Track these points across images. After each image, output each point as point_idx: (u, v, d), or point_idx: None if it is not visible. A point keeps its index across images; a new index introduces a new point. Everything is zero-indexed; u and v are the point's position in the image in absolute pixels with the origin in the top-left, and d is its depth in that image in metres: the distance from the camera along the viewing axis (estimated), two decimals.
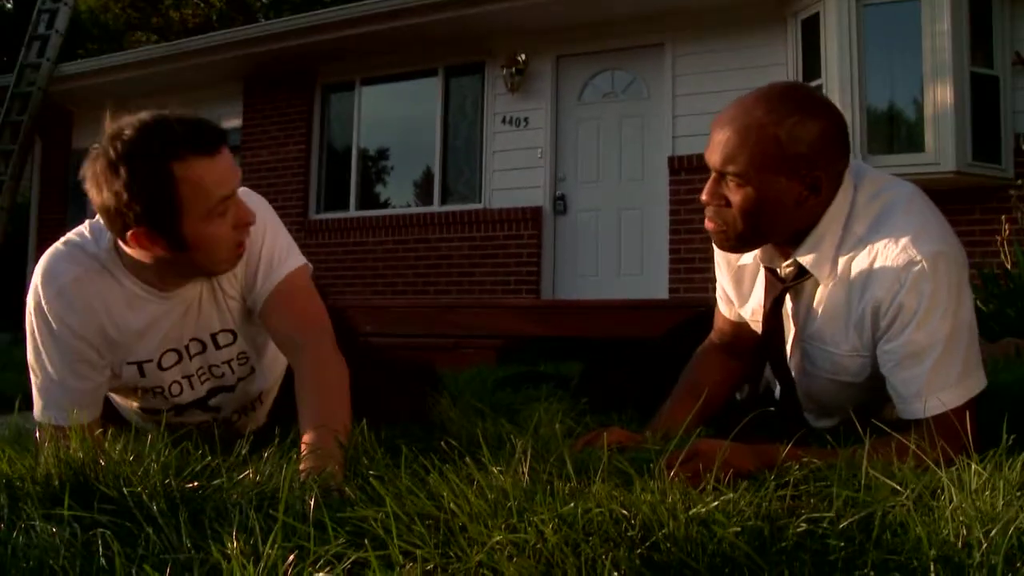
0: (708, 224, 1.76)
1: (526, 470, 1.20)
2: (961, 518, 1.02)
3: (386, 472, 1.26)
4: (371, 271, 8.63)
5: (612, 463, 1.24)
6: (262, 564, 0.95)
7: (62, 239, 1.80)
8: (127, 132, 1.59)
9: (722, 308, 2.05)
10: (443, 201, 8.53)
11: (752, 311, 1.93)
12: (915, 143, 6.36)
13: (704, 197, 1.73)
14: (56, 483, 1.28)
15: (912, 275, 1.60)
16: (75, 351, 1.73)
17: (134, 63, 9.72)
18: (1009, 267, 4.77)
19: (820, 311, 1.77)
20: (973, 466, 1.17)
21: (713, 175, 1.71)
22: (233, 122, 9.52)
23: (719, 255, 1.96)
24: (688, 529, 0.99)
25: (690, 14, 7.18)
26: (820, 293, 1.76)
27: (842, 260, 1.71)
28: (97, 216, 1.72)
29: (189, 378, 1.89)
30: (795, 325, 1.84)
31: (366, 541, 0.99)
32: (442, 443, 1.47)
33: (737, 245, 1.78)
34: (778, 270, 1.81)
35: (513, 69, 7.93)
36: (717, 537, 0.97)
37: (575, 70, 7.84)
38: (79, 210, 10.69)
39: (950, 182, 6.23)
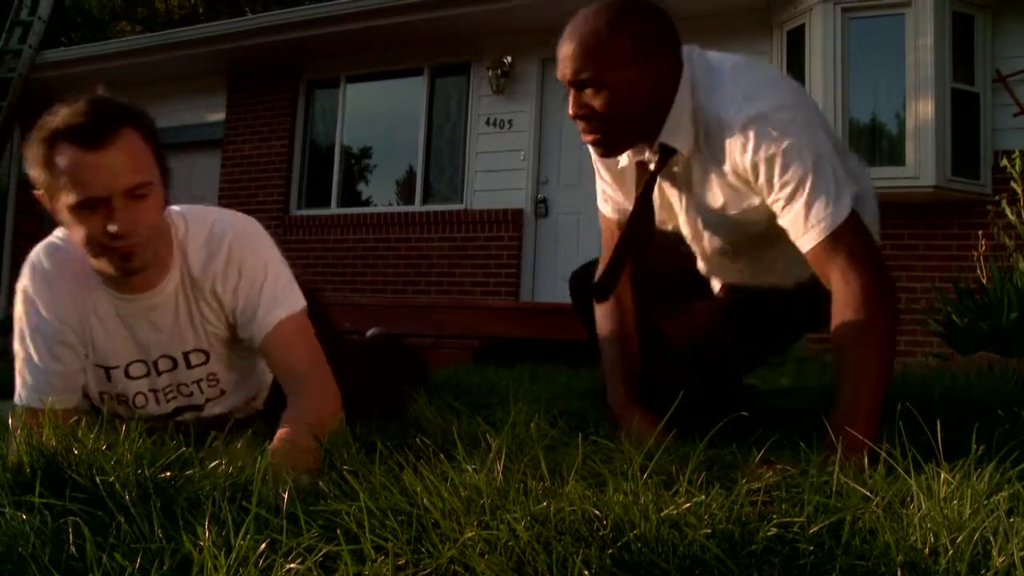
0: (585, 138, 1.89)
1: (500, 469, 1.20)
2: (929, 525, 1.04)
3: (360, 467, 1.26)
4: (351, 269, 8.61)
5: (586, 463, 1.24)
6: (233, 555, 0.95)
7: (56, 233, 1.83)
8: (56, 109, 1.62)
9: (605, 209, 2.17)
10: (425, 201, 8.53)
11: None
12: (896, 157, 6.41)
13: (571, 112, 1.85)
14: (28, 471, 1.27)
15: (753, 133, 1.75)
16: (56, 332, 1.75)
17: (118, 53, 9.66)
18: (985, 282, 4.81)
19: (697, 184, 1.92)
20: (942, 475, 1.19)
21: (572, 91, 1.83)
22: (216, 115, 9.48)
23: (599, 162, 2.08)
24: (659, 530, 0.99)
25: (677, 21, 7.19)
26: (692, 168, 1.91)
27: (698, 133, 1.85)
28: None
29: (155, 392, 1.89)
30: (682, 199, 1.99)
31: (338, 534, 0.99)
32: (417, 440, 1.48)
33: (616, 146, 1.91)
34: (646, 161, 1.95)
35: (499, 71, 7.94)
36: (688, 539, 0.98)
37: None
38: None
39: (929, 196, 6.29)
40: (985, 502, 1.10)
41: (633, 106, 1.82)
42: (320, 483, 1.26)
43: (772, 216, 1.83)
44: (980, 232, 5.48)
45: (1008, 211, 5.03)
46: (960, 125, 6.30)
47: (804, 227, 1.75)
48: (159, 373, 1.86)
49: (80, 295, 1.77)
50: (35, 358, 1.76)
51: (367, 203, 9.21)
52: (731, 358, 2.20)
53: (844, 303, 1.72)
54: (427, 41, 8.25)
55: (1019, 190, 5.00)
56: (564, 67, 1.82)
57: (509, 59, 7.92)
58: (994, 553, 0.97)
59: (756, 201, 1.85)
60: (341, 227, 8.79)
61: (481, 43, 8.07)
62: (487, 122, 8.12)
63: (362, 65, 8.84)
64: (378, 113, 9.06)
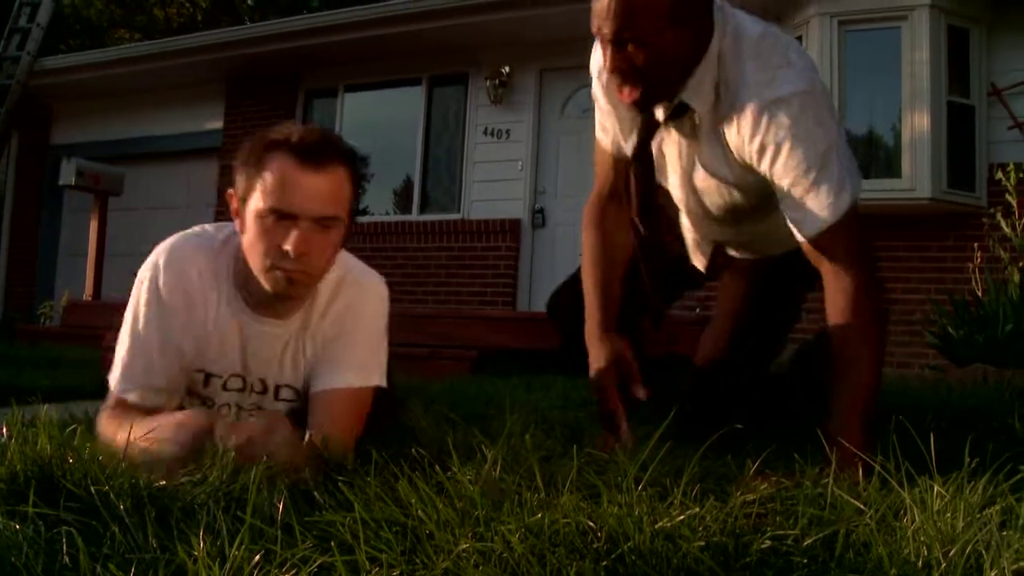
0: (623, 96, 1.86)
1: (495, 480, 1.20)
2: (922, 538, 1.04)
3: (355, 478, 1.26)
4: None
5: (581, 475, 1.24)
6: (228, 565, 0.95)
7: (196, 228, 1.82)
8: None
9: (603, 140, 2.14)
10: (422, 210, 8.54)
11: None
12: (892, 169, 6.42)
13: (610, 67, 1.81)
14: (21, 480, 1.27)
15: (767, 118, 1.76)
16: (172, 333, 1.73)
17: (117, 60, 9.66)
18: (980, 294, 4.82)
19: (703, 144, 1.91)
20: (936, 488, 1.19)
21: (611, 47, 1.79)
22: (214, 124, 9.49)
23: (604, 98, 2.06)
24: (654, 542, 0.99)
25: None
26: (700, 128, 1.90)
27: (717, 101, 1.85)
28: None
29: (240, 408, 1.86)
30: (682, 157, 1.99)
31: (333, 545, 0.99)
32: (412, 451, 1.48)
33: (652, 102, 1.90)
34: (656, 112, 1.95)
35: (496, 81, 7.95)
36: (682, 551, 0.98)
37: (558, 84, 7.87)
38: (55, 205, 10.61)
39: (925, 208, 6.30)
40: (978, 515, 1.10)
41: (672, 65, 1.81)
42: (315, 493, 1.26)
43: (770, 190, 1.84)
44: (976, 244, 5.50)
45: (1003, 224, 5.04)
46: (956, 138, 6.32)
47: (803, 216, 1.78)
48: (251, 392, 1.84)
49: (208, 297, 1.75)
50: (144, 351, 1.73)
51: (364, 212, 9.21)
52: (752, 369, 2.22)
53: (837, 301, 1.76)
54: (425, 51, 8.27)
55: (1014, 203, 5.01)
56: (604, 24, 1.76)
57: (507, 69, 7.93)
58: (987, 566, 0.97)
59: (759, 177, 1.86)
60: None
61: (479, 54, 8.08)
62: (485, 132, 8.13)
63: (360, 75, 8.85)
64: (376, 122, 9.07)
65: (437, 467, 1.25)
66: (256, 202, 1.62)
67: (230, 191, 1.70)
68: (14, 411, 1.72)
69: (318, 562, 0.97)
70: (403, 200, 8.92)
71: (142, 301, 1.74)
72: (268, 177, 1.61)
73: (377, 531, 1.04)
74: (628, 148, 2.05)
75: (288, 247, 1.61)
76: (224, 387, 1.82)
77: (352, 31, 8.19)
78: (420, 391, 3.04)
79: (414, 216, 8.52)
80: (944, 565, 0.98)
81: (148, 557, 1.02)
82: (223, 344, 1.78)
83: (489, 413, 2.37)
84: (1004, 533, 1.04)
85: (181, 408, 1.81)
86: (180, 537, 1.04)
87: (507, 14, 7.47)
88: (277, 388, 1.84)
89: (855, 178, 1.86)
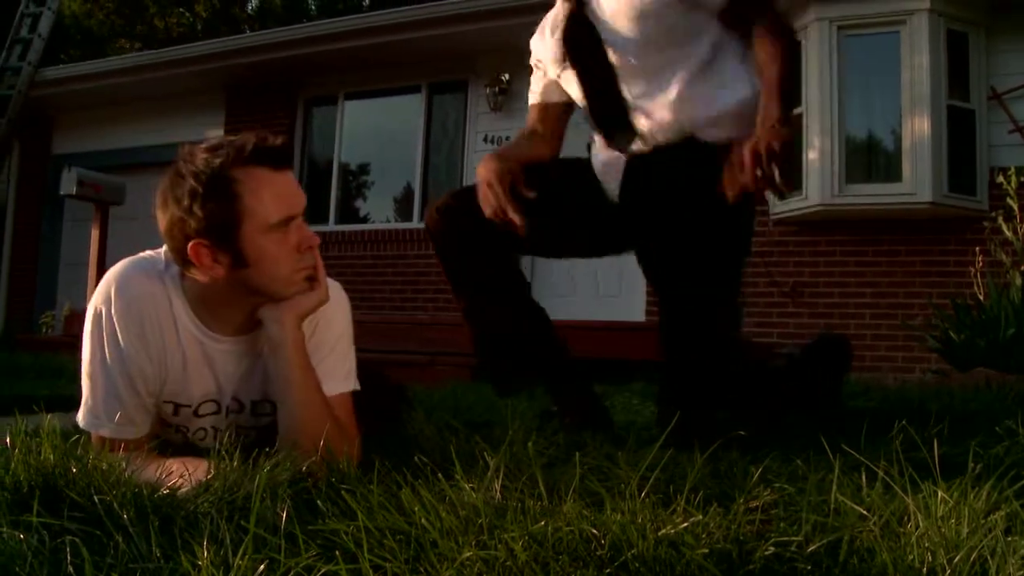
0: None
1: (498, 487, 1.20)
2: (926, 544, 1.04)
3: (358, 486, 1.26)
4: (348, 285, 8.50)
5: (584, 482, 1.24)
6: (232, 575, 0.95)
7: (141, 254, 1.77)
8: (197, 148, 1.61)
9: (533, 99, 2.64)
10: (422, 218, 8.52)
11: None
12: (893, 173, 6.43)
13: None
14: (25, 489, 1.27)
15: None
16: (134, 363, 1.68)
17: (117, 70, 9.69)
18: (982, 298, 4.82)
19: None
20: (940, 493, 1.19)
21: None
22: (215, 132, 9.48)
23: (539, 36, 2.57)
24: (657, 550, 0.99)
25: None
26: None
27: None
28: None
29: (216, 430, 1.83)
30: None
31: (337, 554, 0.99)
32: (415, 459, 1.48)
33: None
34: None
35: (496, 88, 7.97)
36: (686, 558, 0.98)
37: None
38: (56, 215, 10.62)
39: (926, 213, 6.31)
40: (983, 521, 1.10)
41: None
42: (319, 502, 1.26)
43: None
44: (977, 248, 5.50)
45: (1004, 227, 5.05)
46: (956, 142, 6.33)
47: None
48: (227, 414, 1.81)
49: (164, 323, 1.70)
50: (111, 386, 1.69)
51: (365, 220, 9.23)
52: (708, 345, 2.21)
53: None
54: (425, 59, 8.28)
55: (1015, 206, 5.01)
56: None
57: (507, 76, 7.95)
58: (992, 572, 0.97)
59: None
60: (339, 244, 8.79)
61: (479, 61, 8.10)
62: (485, 139, 8.14)
63: (360, 82, 8.87)
64: (376, 130, 9.08)
65: (440, 475, 1.25)
66: (262, 220, 1.58)
67: (197, 243, 1.58)
68: (17, 421, 1.72)
69: (322, 571, 0.97)
70: (403, 208, 8.93)
71: (100, 336, 1.69)
72: (256, 193, 1.57)
73: (381, 540, 1.04)
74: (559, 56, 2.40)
75: (311, 243, 1.65)
76: (196, 413, 1.79)
77: (351, 39, 8.20)
78: (421, 398, 3.04)
79: (414, 224, 8.53)
80: (949, 571, 0.98)
81: (152, 567, 1.02)
82: (188, 369, 1.73)
83: (491, 420, 2.37)
84: (1009, 538, 1.04)
85: (156, 436, 1.80)
86: (184, 546, 1.04)
87: (506, 21, 7.48)
88: (254, 405, 1.81)
89: None
